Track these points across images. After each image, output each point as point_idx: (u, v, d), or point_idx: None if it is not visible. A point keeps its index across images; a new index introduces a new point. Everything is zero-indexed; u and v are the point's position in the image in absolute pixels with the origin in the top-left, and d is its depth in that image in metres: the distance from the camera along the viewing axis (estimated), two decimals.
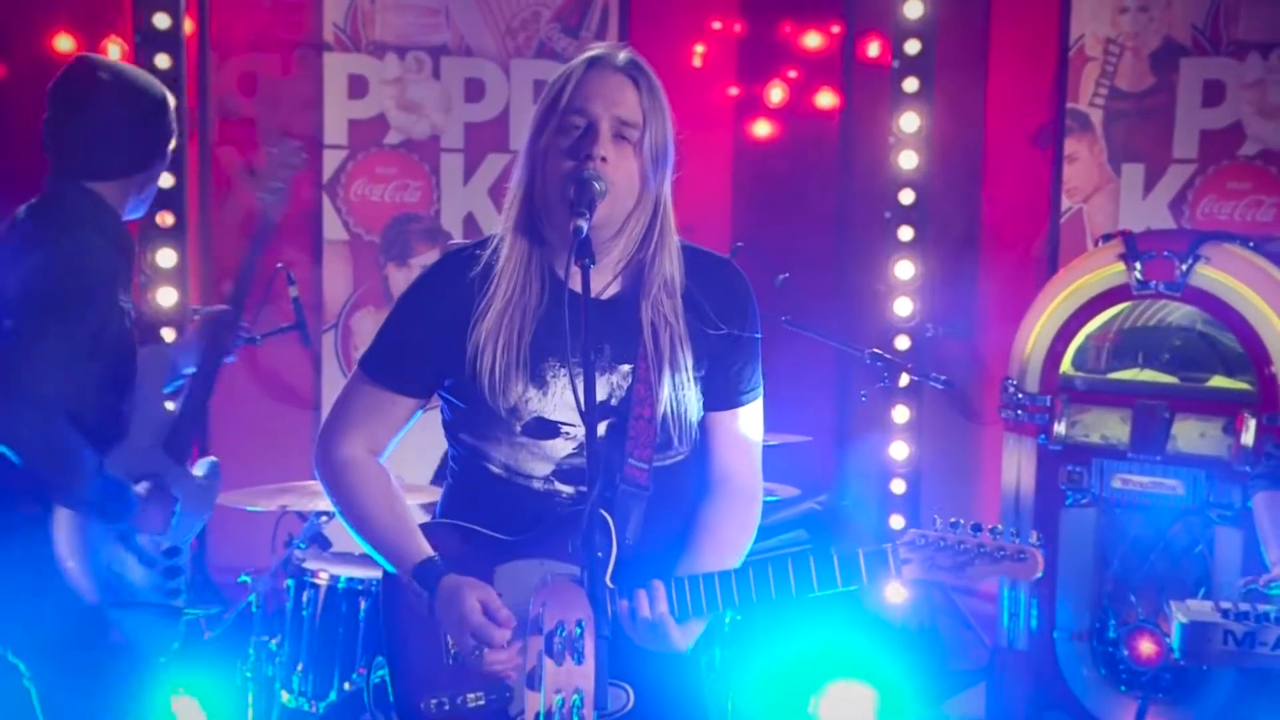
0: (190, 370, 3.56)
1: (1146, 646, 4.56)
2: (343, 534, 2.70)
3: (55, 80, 3.30)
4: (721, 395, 2.56)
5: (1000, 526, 2.37)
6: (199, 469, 3.50)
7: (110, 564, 3.16)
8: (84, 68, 3.30)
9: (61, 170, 3.26)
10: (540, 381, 2.46)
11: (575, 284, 2.26)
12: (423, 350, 2.51)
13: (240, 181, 6.11)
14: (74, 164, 3.25)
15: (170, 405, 3.48)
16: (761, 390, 2.62)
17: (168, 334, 5.49)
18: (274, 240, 6.10)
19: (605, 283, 2.49)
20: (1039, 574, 2.35)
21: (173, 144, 3.40)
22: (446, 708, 2.45)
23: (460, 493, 2.61)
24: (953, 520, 2.38)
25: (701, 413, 2.53)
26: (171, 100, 3.40)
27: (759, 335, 2.59)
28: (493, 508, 2.52)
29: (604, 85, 2.41)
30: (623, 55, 2.45)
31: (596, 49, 2.47)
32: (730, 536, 2.55)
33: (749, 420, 2.61)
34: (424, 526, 2.55)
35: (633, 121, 2.40)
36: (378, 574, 2.62)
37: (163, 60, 5.51)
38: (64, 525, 3.08)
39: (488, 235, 2.55)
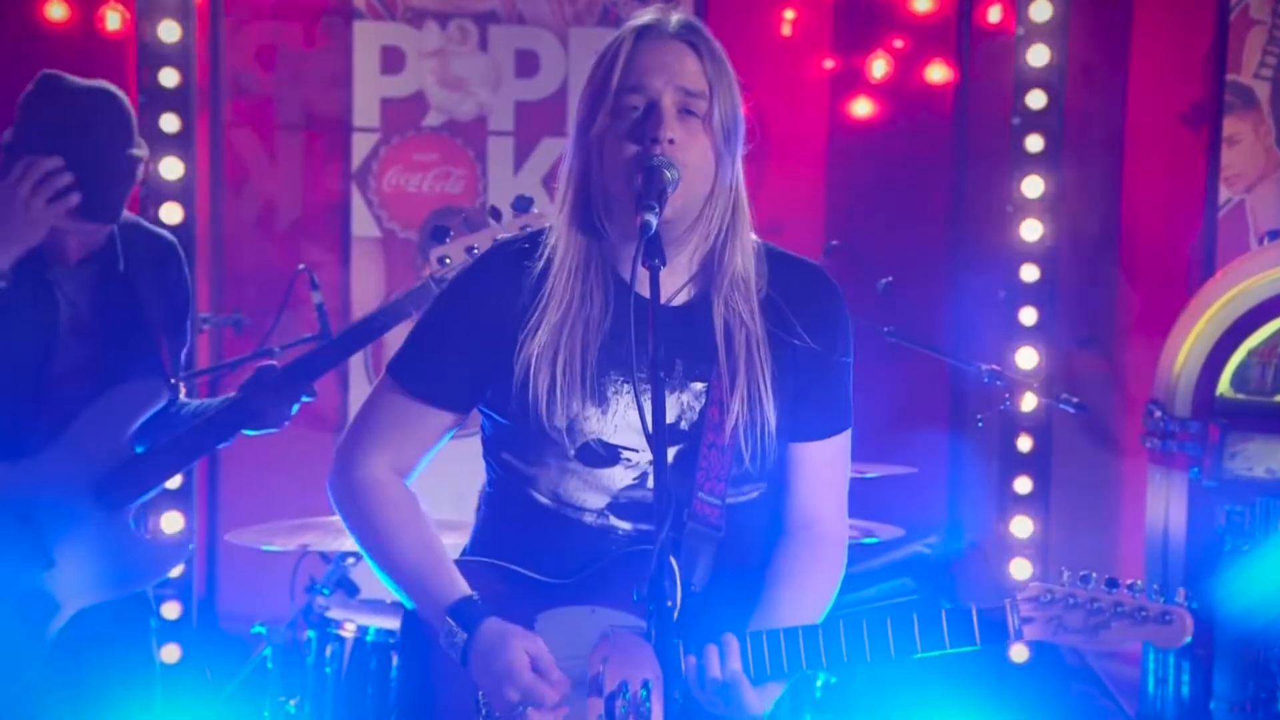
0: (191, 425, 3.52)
1: None
2: (373, 579, 2.71)
3: None
4: (805, 423, 2.55)
5: (1140, 583, 2.35)
6: (166, 525, 3.51)
7: None
8: None
9: None
10: (601, 398, 2.46)
11: (642, 287, 2.25)
12: (464, 357, 2.52)
13: (257, 169, 6.17)
14: None
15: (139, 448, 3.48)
16: (851, 422, 2.61)
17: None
18: (295, 238, 6.19)
19: (677, 286, 2.49)
20: (1186, 640, 2.32)
21: None
22: None
23: (498, 524, 2.61)
24: (1083, 574, 2.36)
25: (779, 436, 2.51)
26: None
27: (850, 359, 2.58)
28: (536, 544, 2.52)
29: (660, 55, 2.41)
30: (675, 19, 2.45)
31: (644, 16, 2.46)
32: (813, 587, 2.54)
33: (836, 455, 2.60)
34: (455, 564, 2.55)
35: (698, 91, 2.40)
36: None
37: (169, 30, 5.57)
38: None
39: (540, 228, 2.56)
